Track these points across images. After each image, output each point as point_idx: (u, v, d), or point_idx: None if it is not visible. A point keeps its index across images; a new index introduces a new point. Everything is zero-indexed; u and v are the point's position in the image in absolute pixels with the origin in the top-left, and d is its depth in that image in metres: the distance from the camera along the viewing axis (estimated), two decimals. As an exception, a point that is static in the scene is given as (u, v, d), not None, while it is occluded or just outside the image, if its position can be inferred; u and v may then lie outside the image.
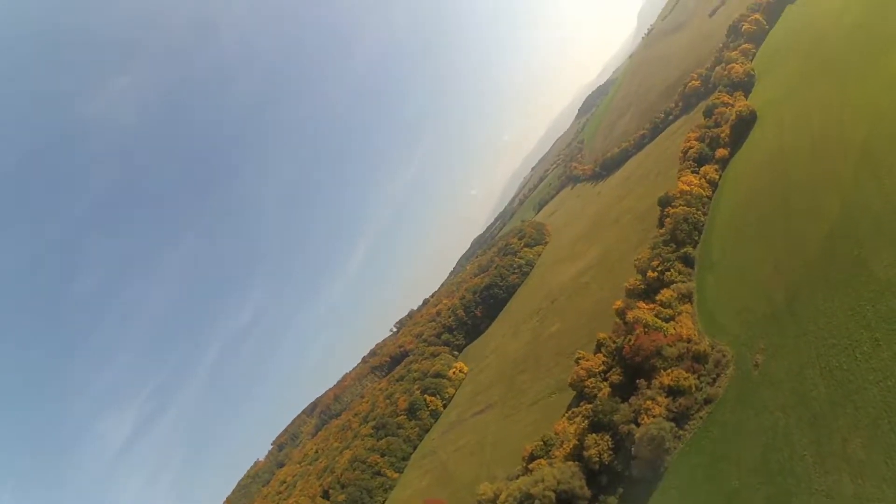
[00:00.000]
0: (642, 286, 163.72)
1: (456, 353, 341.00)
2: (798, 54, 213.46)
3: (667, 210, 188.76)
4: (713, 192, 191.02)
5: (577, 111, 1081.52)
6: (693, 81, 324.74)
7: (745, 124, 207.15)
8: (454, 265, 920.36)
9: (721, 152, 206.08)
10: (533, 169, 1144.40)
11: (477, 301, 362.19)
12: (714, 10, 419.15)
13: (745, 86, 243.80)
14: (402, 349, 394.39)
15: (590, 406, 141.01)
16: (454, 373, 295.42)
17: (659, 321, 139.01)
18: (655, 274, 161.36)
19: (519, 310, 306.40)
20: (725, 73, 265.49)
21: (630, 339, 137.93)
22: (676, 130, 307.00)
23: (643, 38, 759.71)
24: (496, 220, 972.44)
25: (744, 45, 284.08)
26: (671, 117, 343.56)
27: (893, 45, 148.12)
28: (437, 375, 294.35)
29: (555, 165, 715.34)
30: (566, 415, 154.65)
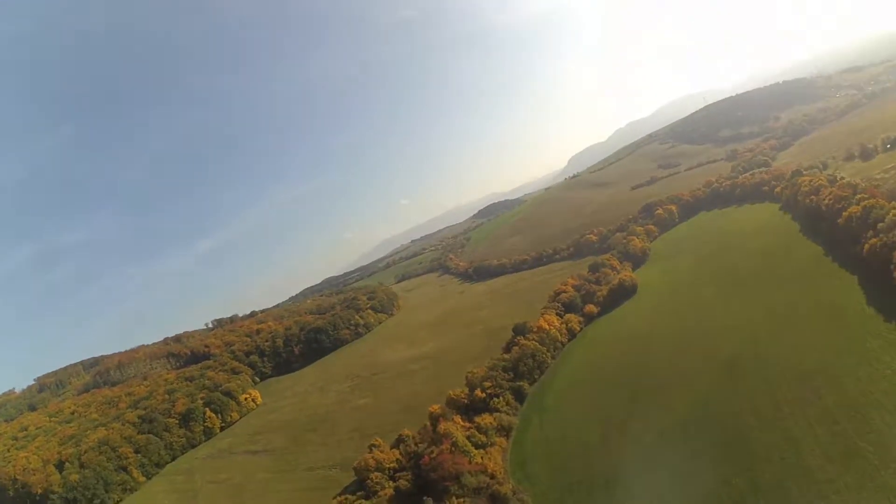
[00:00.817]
0: (466, 401, 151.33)
1: (257, 379, 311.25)
2: (695, 255, 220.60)
3: (518, 339, 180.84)
4: (570, 340, 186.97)
5: (477, 211, 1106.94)
6: (592, 235, 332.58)
7: (623, 293, 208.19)
8: (298, 292, 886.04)
9: (591, 308, 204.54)
10: (413, 241, 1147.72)
11: (300, 339, 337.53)
12: (639, 185, 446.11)
13: (637, 260, 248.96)
14: (206, 350, 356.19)
15: (377, 500, 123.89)
16: (246, 399, 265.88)
17: (469, 445, 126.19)
18: (484, 395, 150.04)
19: (337, 367, 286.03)
20: (624, 241, 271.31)
21: (433, 451, 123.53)
22: (558, 270, 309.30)
23: (566, 179, 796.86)
24: (356, 271, 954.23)
25: (650, 226, 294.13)
26: (558, 256, 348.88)
27: (788, 281, 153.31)
28: (228, 394, 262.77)
29: (434, 248, 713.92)
30: (339, 499, 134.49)
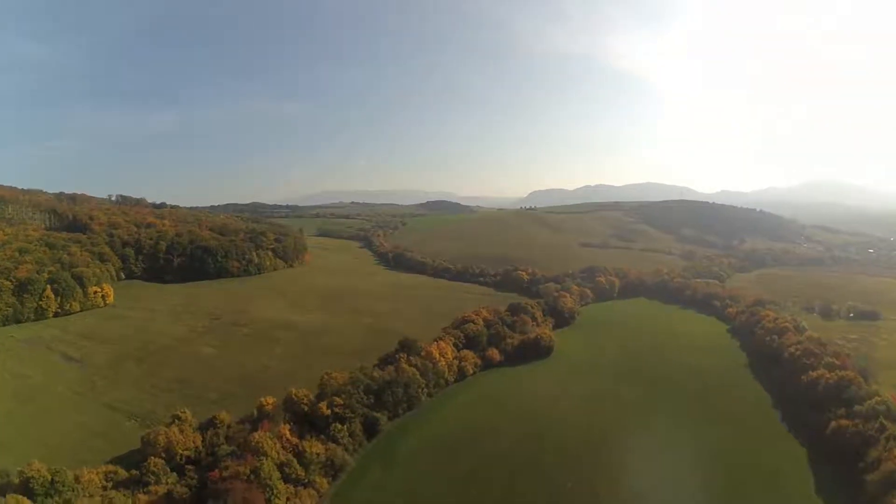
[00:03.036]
0: (306, 408, 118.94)
1: (123, 276, 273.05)
2: (625, 343, 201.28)
3: (401, 356, 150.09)
4: (456, 382, 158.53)
5: (426, 201, 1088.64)
6: (524, 273, 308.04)
7: (536, 351, 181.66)
8: (220, 204, 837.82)
9: (494, 353, 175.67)
10: (353, 203, 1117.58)
11: (185, 251, 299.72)
12: (589, 244, 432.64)
13: (561, 319, 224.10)
14: (89, 221, 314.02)
15: (143, 497, 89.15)
16: (95, 293, 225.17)
17: (277, 477, 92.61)
18: (329, 412, 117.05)
19: (205, 297, 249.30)
20: (556, 294, 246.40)
21: (229, 466, 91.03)
22: (476, 293, 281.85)
23: (522, 208, 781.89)
24: (287, 207, 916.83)
25: (587, 289, 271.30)
26: (482, 279, 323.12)
27: (724, 421, 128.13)
28: (78, 279, 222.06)
29: (368, 219, 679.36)
30: (102, 468, 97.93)
